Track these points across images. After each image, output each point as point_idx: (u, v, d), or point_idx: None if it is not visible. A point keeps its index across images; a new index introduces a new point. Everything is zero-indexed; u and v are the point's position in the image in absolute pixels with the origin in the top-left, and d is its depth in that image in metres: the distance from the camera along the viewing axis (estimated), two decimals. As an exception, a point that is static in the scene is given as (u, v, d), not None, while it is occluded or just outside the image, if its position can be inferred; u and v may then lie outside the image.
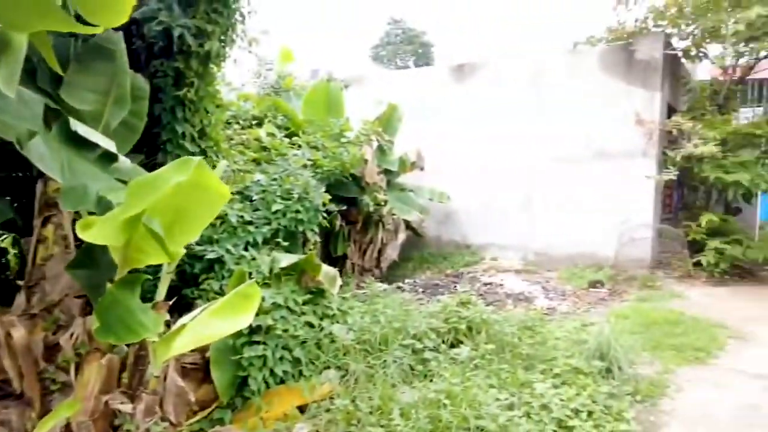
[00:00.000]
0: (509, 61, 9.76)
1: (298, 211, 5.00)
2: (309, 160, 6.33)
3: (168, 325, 3.23)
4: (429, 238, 10.17)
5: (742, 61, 9.32)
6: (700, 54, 9.54)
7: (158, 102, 4.39)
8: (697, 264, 8.20)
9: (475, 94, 9.96)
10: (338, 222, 7.44)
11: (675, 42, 9.29)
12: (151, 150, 4.52)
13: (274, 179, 5.34)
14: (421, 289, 8.10)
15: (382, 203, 7.97)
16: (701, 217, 8.30)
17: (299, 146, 6.79)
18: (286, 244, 4.82)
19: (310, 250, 5.23)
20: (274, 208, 4.93)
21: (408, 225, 9.03)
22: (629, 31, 9.39)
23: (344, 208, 7.51)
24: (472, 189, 9.98)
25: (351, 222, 7.95)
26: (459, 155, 10.06)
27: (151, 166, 4.38)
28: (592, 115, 8.91)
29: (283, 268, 4.22)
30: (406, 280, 8.75)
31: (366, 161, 7.04)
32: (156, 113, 4.38)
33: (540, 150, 9.38)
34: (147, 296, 3.46)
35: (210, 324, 2.82)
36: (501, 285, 8.21)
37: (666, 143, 8.69)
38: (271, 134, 6.88)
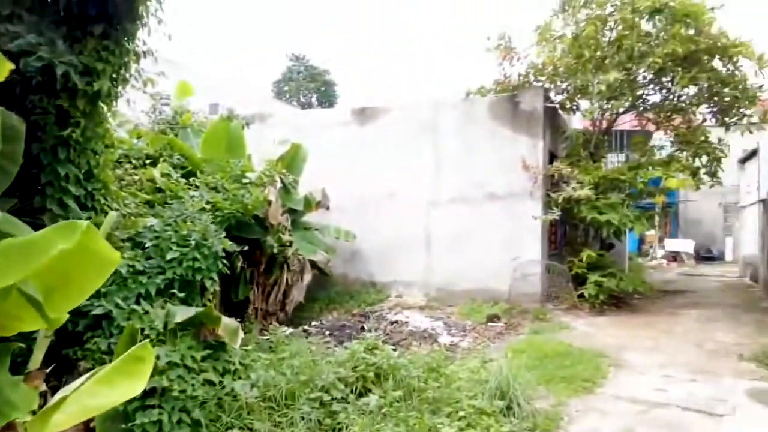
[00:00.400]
0: (408, 106, 10.26)
1: (195, 259, 4.70)
2: (208, 202, 6.06)
3: (45, 396, 2.85)
4: (335, 277, 10.12)
5: (606, 115, 10.64)
6: (574, 107, 10.78)
7: (37, 141, 3.98)
8: (581, 296, 9.02)
9: (377, 136, 10.29)
10: (240, 264, 7.16)
11: (553, 96, 10.40)
12: (27, 193, 4.06)
13: (169, 224, 5.00)
14: (328, 332, 7.95)
15: (287, 244, 7.82)
16: (582, 253, 9.19)
17: (197, 187, 6.49)
18: (182, 294, 4.50)
19: (209, 300, 4.94)
20: (169, 256, 4.60)
21: (314, 265, 8.93)
22: (514, 84, 10.34)
23: (246, 248, 7.26)
24: (377, 227, 10.17)
25: (254, 264, 7.68)
26: (364, 194, 10.25)
27: (27, 210, 3.94)
28: (484, 159, 9.60)
29: (179, 323, 3.94)
30: (313, 323, 8.57)
31: (269, 202, 6.89)
32: (34, 153, 3.97)
33: (439, 190, 9.87)
34: (18, 360, 3.03)
35: (97, 393, 2.53)
36: (406, 323, 8.34)
37: (549, 186, 9.58)
38: (166, 174, 6.51)
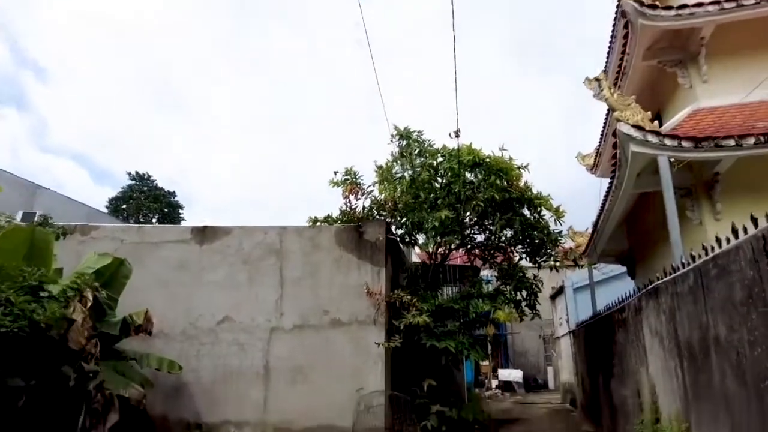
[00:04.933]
0: (253, 228, 10.00)
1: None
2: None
3: None
4: (153, 416, 8.54)
5: (440, 250, 11.59)
6: (412, 241, 11.57)
7: None
8: (425, 428, 8.76)
9: (217, 257, 9.71)
10: (21, 403, 5.66)
11: (393, 229, 11.09)
12: None
13: None
14: (131, 490, 6.45)
15: (90, 375, 6.47)
16: (423, 382, 9.16)
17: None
18: None
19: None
20: None
21: (125, 402, 7.43)
22: (359, 216, 10.87)
23: (33, 383, 5.81)
24: (209, 358, 9.10)
25: (40, 400, 6.12)
26: (196, 319, 9.29)
27: None
28: (329, 286, 9.51)
29: None
30: (113, 478, 6.92)
31: (71, 321, 5.75)
32: None
33: (281, 317, 9.36)
34: None
35: None
36: (233, 472, 7.18)
37: (392, 313, 9.72)
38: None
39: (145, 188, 36.65)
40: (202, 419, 8.84)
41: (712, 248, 3.81)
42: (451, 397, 9.63)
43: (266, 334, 9.28)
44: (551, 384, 22.95)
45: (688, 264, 4.32)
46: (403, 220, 11.21)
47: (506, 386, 21.37)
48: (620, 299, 7.61)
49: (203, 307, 9.38)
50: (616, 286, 13.20)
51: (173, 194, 37.02)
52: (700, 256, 4.06)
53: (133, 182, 36.71)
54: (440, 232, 10.48)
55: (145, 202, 35.69)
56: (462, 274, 13.33)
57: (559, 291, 18.18)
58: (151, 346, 8.47)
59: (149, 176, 36.99)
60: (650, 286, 5.51)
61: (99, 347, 6.95)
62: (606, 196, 8.85)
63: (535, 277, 11.86)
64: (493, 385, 21.37)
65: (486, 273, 15.46)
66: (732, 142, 5.76)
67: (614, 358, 8.21)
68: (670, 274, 4.85)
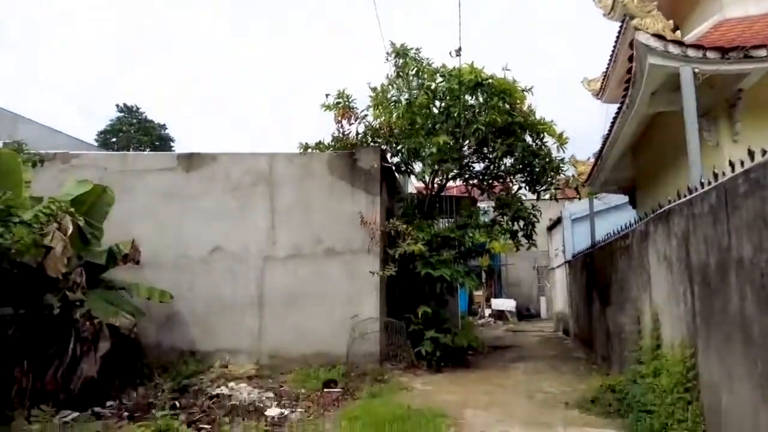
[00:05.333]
0: (242, 155, 9.55)
1: None
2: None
3: None
4: (146, 345, 8.50)
5: (437, 180, 11.19)
6: (408, 170, 11.12)
7: None
8: (419, 354, 8.81)
9: (206, 185, 9.34)
10: (11, 332, 5.52)
11: (389, 157, 10.62)
12: None
13: None
14: (127, 413, 6.45)
15: (77, 303, 6.29)
16: (418, 309, 9.11)
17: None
18: None
19: None
20: None
21: (116, 331, 7.33)
22: (352, 142, 10.35)
23: (22, 312, 5.64)
24: (201, 287, 8.96)
25: (26, 329, 5.97)
26: (186, 248, 9.06)
27: None
28: (322, 214, 9.21)
29: None
30: (109, 403, 6.95)
31: (47, 248, 5.45)
32: None
33: (274, 245, 9.13)
34: None
35: None
36: (229, 396, 7.23)
37: (387, 242, 9.50)
38: None
39: (135, 121, 35.58)
40: (196, 347, 8.83)
41: (742, 163, 3.44)
42: (445, 324, 9.62)
43: (259, 263, 9.09)
44: (543, 314, 23.43)
45: (709, 183, 3.97)
46: (399, 147, 10.72)
47: (499, 315, 21.80)
48: (623, 227, 7.36)
49: (193, 236, 9.12)
50: (615, 217, 12.98)
51: (164, 127, 36.02)
52: (724, 174, 3.71)
53: (122, 114, 35.59)
54: (438, 159, 10.05)
55: (135, 135, 34.78)
56: (459, 205, 13.03)
57: (557, 222, 18.04)
58: (141, 276, 8.27)
59: (138, 108, 35.80)
60: (660, 210, 5.19)
61: (84, 276, 6.74)
62: (614, 121, 8.36)
63: (533, 206, 11.57)
64: (486, 314, 21.80)
65: (483, 205, 15.18)
66: (764, 53, 5.25)
67: (613, 286, 8.10)
68: (685, 196, 4.51)
